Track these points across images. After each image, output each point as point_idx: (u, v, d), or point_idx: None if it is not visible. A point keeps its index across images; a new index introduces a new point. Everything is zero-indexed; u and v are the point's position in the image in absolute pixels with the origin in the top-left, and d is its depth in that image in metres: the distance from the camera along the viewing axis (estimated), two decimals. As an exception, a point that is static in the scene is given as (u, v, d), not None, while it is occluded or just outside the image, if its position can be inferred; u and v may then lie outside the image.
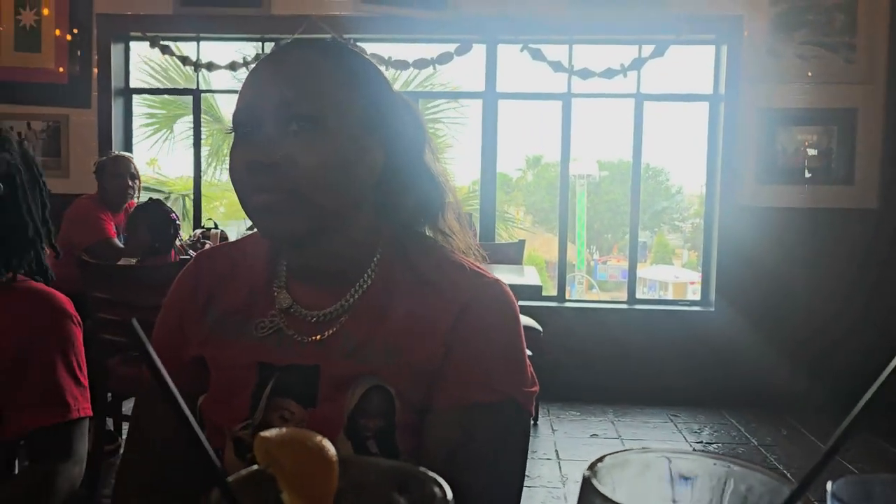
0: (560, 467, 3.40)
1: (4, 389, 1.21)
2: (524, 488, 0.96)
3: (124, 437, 3.44)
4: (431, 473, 0.47)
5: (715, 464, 0.49)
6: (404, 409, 0.87)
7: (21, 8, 4.59)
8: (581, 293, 9.65)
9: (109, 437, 3.27)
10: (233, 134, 0.87)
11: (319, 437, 0.48)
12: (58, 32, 4.59)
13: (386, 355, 0.87)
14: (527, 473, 3.20)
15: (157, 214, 3.25)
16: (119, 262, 3.33)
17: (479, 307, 0.89)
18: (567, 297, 4.88)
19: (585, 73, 4.49)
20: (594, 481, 0.48)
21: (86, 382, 1.29)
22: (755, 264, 4.41)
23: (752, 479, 0.46)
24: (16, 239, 1.29)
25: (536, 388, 0.92)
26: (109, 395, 3.15)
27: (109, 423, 3.36)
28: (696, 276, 5.37)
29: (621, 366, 4.42)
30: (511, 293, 0.93)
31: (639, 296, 4.83)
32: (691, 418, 4.15)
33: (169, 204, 3.50)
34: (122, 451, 1.03)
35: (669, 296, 9.50)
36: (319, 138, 0.82)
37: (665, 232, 11.80)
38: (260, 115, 0.83)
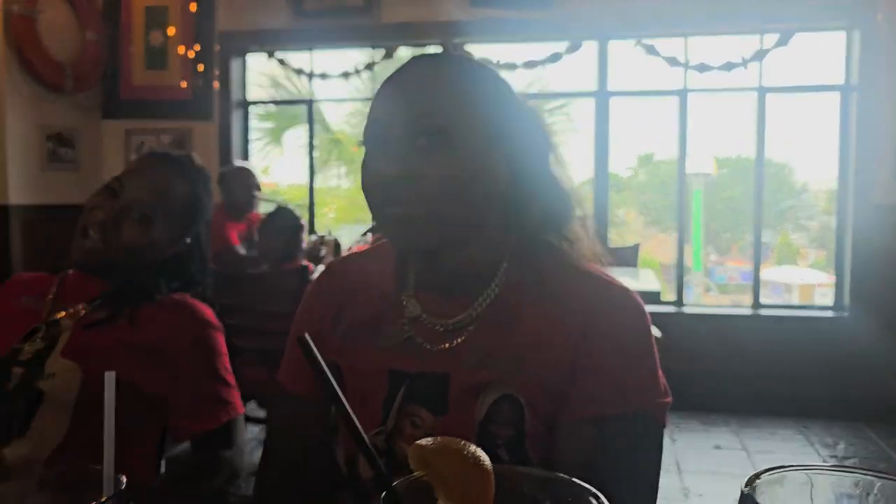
0: (681, 479, 3.26)
1: (169, 397, 1.29)
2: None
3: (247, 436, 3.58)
4: (586, 485, 0.46)
5: (877, 481, 0.45)
6: (534, 418, 0.87)
7: (150, 29, 4.89)
8: (699, 296, 9.29)
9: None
10: (364, 148, 0.90)
11: (474, 447, 0.50)
12: (182, 50, 4.86)
13: (514, 365, 0.88)
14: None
15: (290, 221, 3.37)
16: (249, 270, 3.46)
17: (608, 317, 0.88)
18: (685, 300, 4.70)
19: (703, 68, 4.31)
20: (756, 496, 0.45)
21: (234, 382, 1.37)
22: (894, 266, 4.08)
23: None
24: (191, 276, 1.44)
25: (670, 399, 0.90)
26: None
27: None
28: (825, 278, 5.04)
29: (746, 374, 4.20)
30: (641, 301, 0.91)
31: (763, 298, 4.58)
32: (824, 431, 3.89)
33: (283, 212, 3.62)
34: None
35: (795, 298, 8.97)
36: (447, 152, 0.84)
37: (789, 231, 11.19)
38: (389, 130, 0.86)
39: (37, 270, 1.46)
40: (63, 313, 1.30)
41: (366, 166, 0.89)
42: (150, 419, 1.33)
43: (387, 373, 0.92)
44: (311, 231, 5.09)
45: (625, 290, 0.90)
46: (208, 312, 1.38)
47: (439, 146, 0.84)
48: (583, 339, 0.86)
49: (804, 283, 9.46)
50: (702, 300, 8.44)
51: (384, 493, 0.42)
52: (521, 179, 0.92)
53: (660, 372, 0.89)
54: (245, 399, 3.47)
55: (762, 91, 4.39)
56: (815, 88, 4.64)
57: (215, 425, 1.31)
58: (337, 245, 4.63)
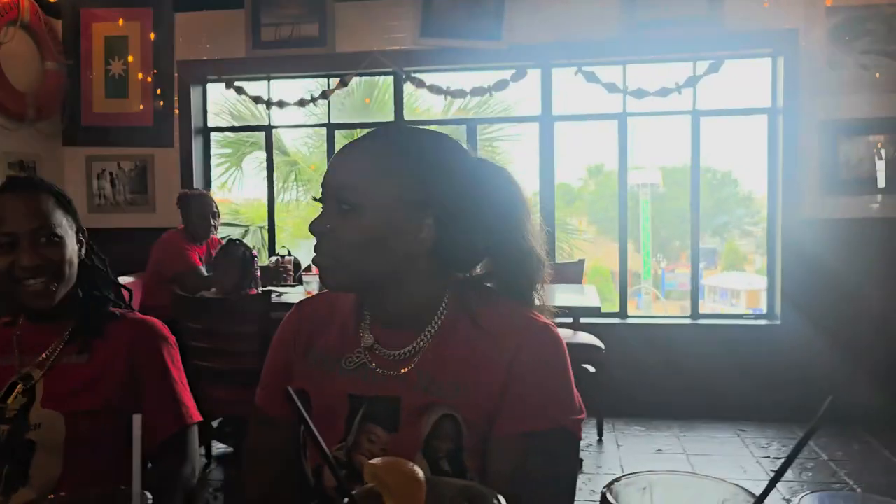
0: (626, 481, 3.48)
1: (132, 406, 1.40)
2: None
3: (213, 453, 3.69)
4: (491, 490, 0.63)
5: (703, 482, 0.64)
6: (471, 434, 1.04)
7: (110, 58, 4.99)
8: (648, 304, 9.58)
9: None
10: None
11: (412, 464, 0.65)
12: (141, 78, 4.96)
13: (454, 389, 1.05)
14: (592, 489, 3.29)
15: (244, 256, 3.47)
16: (206, 294, 3.57)
17: (531, 349, 1.05)
18: (633, 310, 4.94)
19: (640, 93, 4.58)
20: (610, 497, 0.63)
21: (188, 391, 1.48)
22: (822, 276, 4.37)
23: (726, 492, 0.60)
24: (109, 278, 1.53)
25: (584, 416, 1.07)
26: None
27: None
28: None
29: (686, 381, 4.46)
30: (559, 334, 1.09)
31: (710, 304, 4.83)
32: (759, 433, 4.16)
33: (246, 238, 3.73)
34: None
35: (742, 303, 9.31)
36: (359, 218, 1.02)
37: (736, 237, 11.54)
38: (324, 193, 1.06)
39: None
40: (31, 367, 1.41)
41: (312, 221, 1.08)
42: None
43: (347, 396, 1.08)
44: (273, 252, 5.22)
45: (545, 326, 1.08)
46: (164, 328, 1.49)
47: (354, 213, 1.02)
48: (510, 368, 1.03)
49: (751, 289, 9.81)
50: (651, 307, 8.74)
51: (346, 499, 0.58)
52: (452, 240, 1.06)
53: (575, 392, 1.07)
54: (209, 418, 3.59)
55: (696, 114, 4.69)
56: (744, 112, 4.95)
57: (175, 430, 1.41)
58: (297, 264, 4.77)
